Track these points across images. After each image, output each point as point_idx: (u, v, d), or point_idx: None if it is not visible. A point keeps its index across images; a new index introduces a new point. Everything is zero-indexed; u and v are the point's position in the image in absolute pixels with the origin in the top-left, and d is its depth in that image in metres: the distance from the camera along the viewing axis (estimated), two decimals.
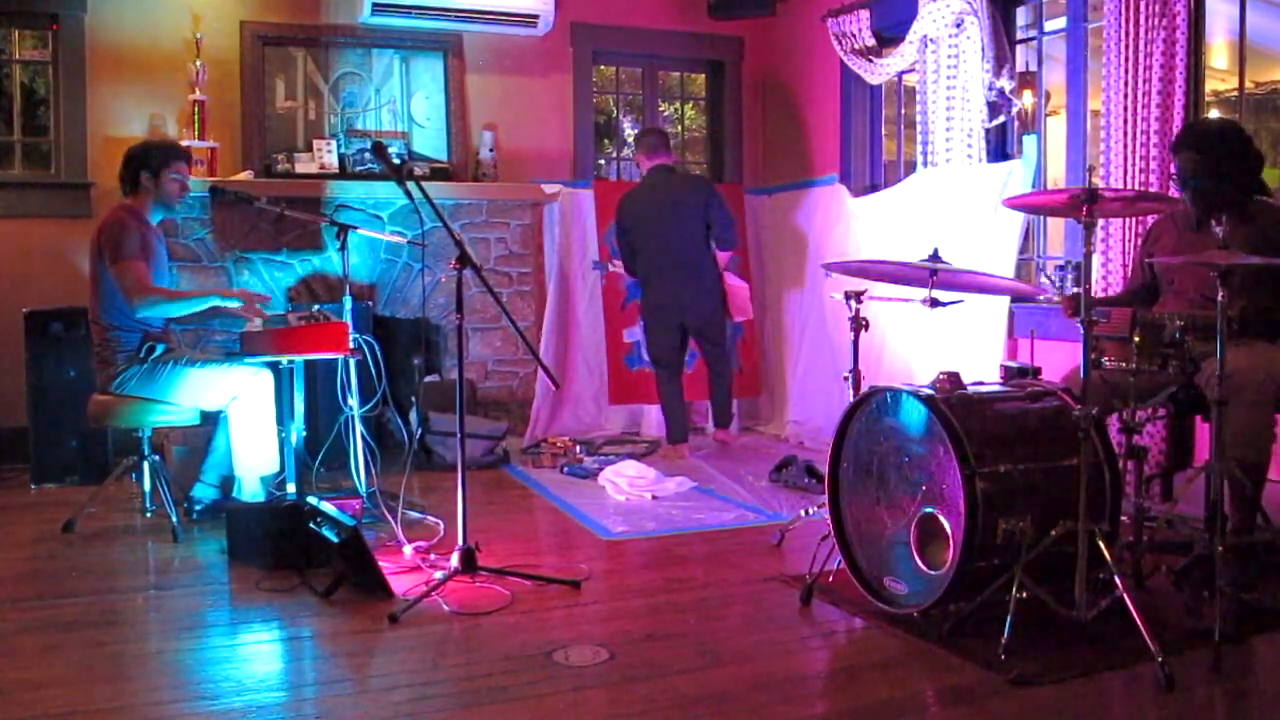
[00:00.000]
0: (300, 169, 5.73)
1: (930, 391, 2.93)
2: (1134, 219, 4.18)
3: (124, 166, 4.23)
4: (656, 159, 5.62)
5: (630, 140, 7.34)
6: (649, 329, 5.68)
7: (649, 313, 5.65)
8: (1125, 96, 4.22)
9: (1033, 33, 5.10)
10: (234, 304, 4.20)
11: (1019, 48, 5.12)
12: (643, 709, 2.46)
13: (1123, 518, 3.06)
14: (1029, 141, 4.86)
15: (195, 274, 5.39)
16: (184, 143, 5.42)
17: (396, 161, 5.64)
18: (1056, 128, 5.21)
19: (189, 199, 5.29)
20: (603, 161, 6.97)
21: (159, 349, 4.11)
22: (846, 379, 3.69)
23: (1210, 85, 4.56)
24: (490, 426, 5.48)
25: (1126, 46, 4.21)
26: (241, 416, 4.09)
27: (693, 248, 5.54)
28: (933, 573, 2.86)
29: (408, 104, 6.14)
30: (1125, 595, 2.61)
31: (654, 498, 4.59)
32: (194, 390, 4.08)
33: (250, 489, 4.09)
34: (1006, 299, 4.76)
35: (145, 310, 4.06)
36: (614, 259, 5.89)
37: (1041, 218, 4.98)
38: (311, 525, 3.45)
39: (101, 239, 4.06)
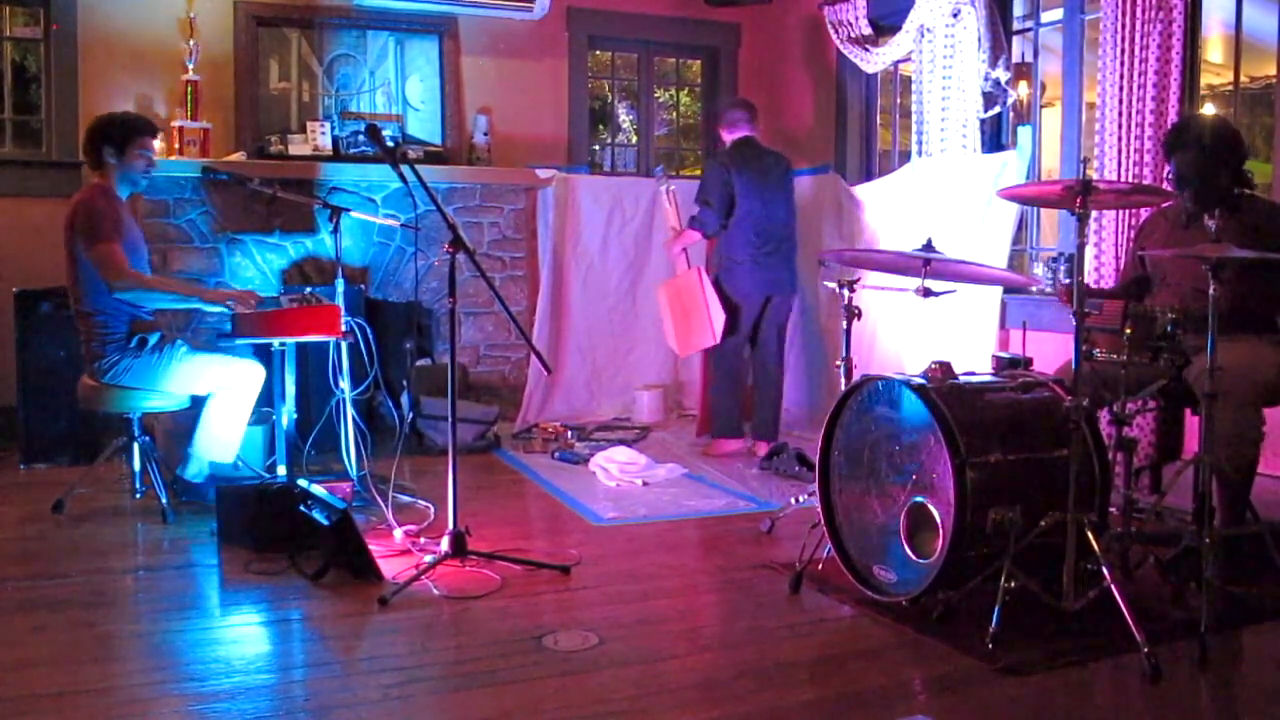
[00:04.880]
0: (294, 151, 5.70)
1: (922, 381, 2.94)
2: (1128, 211, 4.19)
3: (87, 142, 4.05)
4: (737, 132, 5.29)
5: (625, 126, 7.32)
6: (734, 308, 5.26)
7: (741, 283, 5.24)
8: (1120, 89, 4.22)
9: (1029, 24, 5.10)
10: (216, 308, 4.07)
11: (1015, 39, 5.12)
12: (631, 694, 2.47)
13: (1111, 509, 3.07)
14: (1024, 132, 4.86)
15: (187, 255, 5.36)
16: (177, 123, 5.41)
17: (390, 144, 5.61)
18: (1052, 119, 5.21)
19: (183, 180, 5.29)
20: (596, 147, 6.95)
21: (151, 339, 4.01)
22: (838, 367, 3.69)
23: (1205, 79, 4.57)
24: (481, 411, 5.47)
25: (1123, 39, 4.21)
26: (223, 403, 4.02)
27: (785, 226, 5.30)
28: (922, 561, 2.87)
29: (402, 87, 6.11)
30: (1113, 586, 2.62)
31: (645, 484, 4.60)
32: (187, 379, 4.01)
33: (196, 469, 4.02)
34: (999, 290, 4.77)
35: (123, 294, 3.93)
36: (671, 186, 5.53)
37: (1035, 209, 4.98)
38: (302, 508, 3.45)
39: (75, 223, 3.91)
